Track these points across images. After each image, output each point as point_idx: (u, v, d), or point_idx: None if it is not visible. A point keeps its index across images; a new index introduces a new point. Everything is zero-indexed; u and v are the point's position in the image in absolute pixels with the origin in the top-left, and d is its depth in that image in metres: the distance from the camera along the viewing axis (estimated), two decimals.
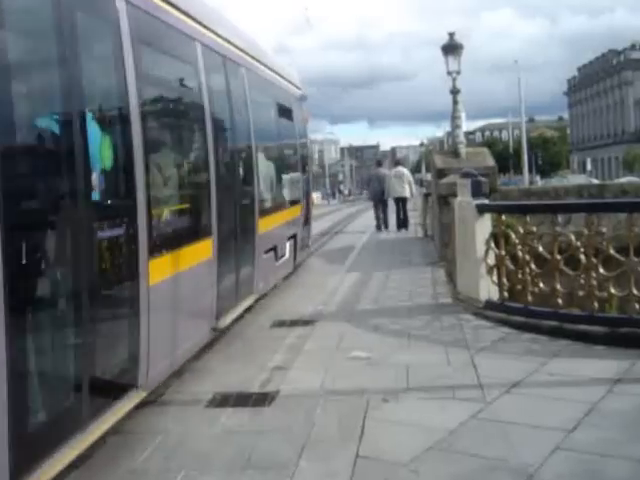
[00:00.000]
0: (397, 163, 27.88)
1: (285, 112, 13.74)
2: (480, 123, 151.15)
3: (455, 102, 17.67)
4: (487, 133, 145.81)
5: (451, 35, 18.04)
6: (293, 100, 14.75)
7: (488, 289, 9.72)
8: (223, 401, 6.49)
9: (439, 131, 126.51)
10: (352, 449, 5.16)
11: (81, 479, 4.97)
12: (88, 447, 5.25)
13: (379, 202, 25.21)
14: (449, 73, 17.66)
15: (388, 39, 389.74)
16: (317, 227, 34.40)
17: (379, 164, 28.32)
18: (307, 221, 15.69)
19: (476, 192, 10.17)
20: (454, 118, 17.87)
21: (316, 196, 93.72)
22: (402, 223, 24.52)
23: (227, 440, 5.57)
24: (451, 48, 17.88)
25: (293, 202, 13.89)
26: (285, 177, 13.36)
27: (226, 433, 5.72)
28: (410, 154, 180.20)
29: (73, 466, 5.02)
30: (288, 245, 12.91)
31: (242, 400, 6.48)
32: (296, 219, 14.06)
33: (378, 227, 25.19)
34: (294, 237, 13.59)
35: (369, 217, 28.66)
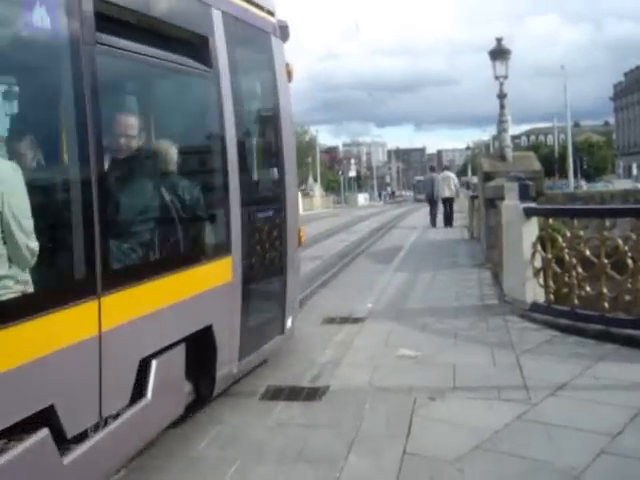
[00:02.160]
0: (445, 168, 32.34)
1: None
2: (524, 127, 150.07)
3: (502, 106, 17.67)
4: (532, 137, 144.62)
5: (499, 40, 18.04)
6: (258, 37, 7.43)
7: (534, 291, 9.78)
8: (276, 394, 6.68)
9: (485, 135, 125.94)
10: (400, 445, 5.28)
11: (143, 464, 5.19)
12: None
13: (432, 202, 28.69)
14: (497, 78, 17.67)
15: (433, 45, 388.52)
16: (376, 221, 34.72)
17: (432, 169, 33.54)
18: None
19: (523, 195, 10.26)
20: (501, 122, 17.90)
21: (364, 197, 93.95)
22: (447, 221, 27.66)
23: (279, 432, 5.74)
24: (499, 53, 17.89)
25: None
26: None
27: (279, 425, 5.89)
28: (456, 157, 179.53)
29: (136, 452, 5.28)
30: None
31: (294, 394, 6.66)
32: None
33: (432, 223, 28.45)
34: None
35: (417, 217, 29.73)
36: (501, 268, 11.46)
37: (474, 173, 45.58)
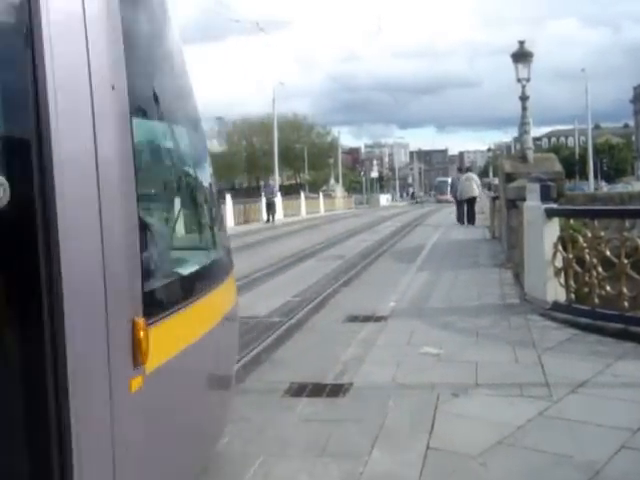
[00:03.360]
0: (468, 169, 35.26)
1: None
2: (545, 129, 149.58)
3: (524, 108, 17.69)
4: (553, 139, 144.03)
5: (521, 43, 18.07)
6: None
7: (555, 291, 9.81)
8: (299, 391, 6.73)
9: (506, 136, 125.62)
10: (423, 441, 5.32)
11: None
12: None
13: (458, 201, 30.73)
14: (519, 80, 17.70)
15: (454, 47, 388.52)
16: (398, 222, 34.84)
17: (460, 170, 35.85)
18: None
19: (545, 196, 10.30)
20: (523, 124, 17.91)
21: (386, 198, 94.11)
22: (470, 219, 29.54)
23: (303, 428, 5.79)
24: (521, 56, 17.92)
25: None
26: None
27: (302, 421, 5.95)
28: (478, 159, 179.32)
29: None
30: None
31: (317, 390, 6.71)
32: None
33: (458, 220, 30.46)
34: None
35: (438, 217, 30.28)
36: (522, 268, 11.50)
37: (495, 174, 45.77)
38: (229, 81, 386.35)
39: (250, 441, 5.55)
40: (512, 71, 17.89)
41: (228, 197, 38.42)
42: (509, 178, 16.28)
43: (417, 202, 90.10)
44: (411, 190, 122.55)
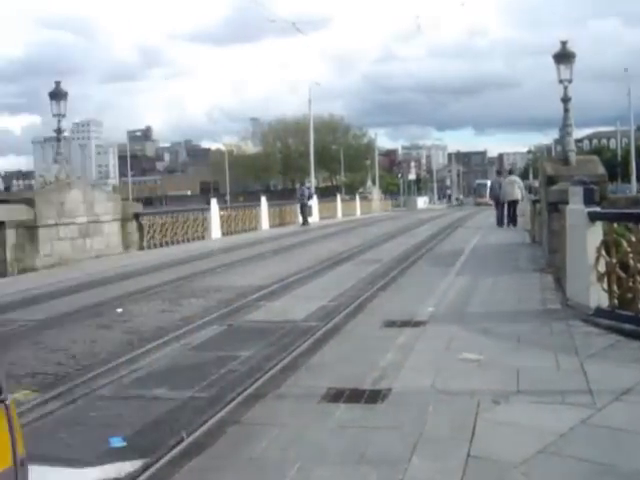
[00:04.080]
0: (510, 172, 37.24)
1: None
2: (586, 131, 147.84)
3: (566, 110, 17.46)
4: (595, 141, 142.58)
5: (563, 43, 17.84)
6: None
7: (598, 296, 9.66)
8: (337, 396, 6.68)
9: (546, 138, 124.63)
10: (463, 448, 5.26)
11: (202, 465, 5.25)
12: (208, 435, 5.65)
13: (498, 204, 31.06)
14: (561, 81, 17.49)
15: (493, 47, 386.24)
16: (437, 225, 34.79)
17: (499, 173, 36.86)
18: None
19: (588, 200, 10.16)
20: (565, 126, 17.71)
21: (423, 200, 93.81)
22: (512, 221, 29.79)
23: (341, 434, 5.74)
24: (563, 56, 17.68)
25: None
26: None
27: (340, 428, 5.90)
28: (517, 160, 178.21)
29: (194, 452, 5.38)
30: None
31: (355, 396, 6.66)
32: None
33: (498, 223, 30.57)
34: None
35: (478, 220, 30.39)
36: (564, 272, 11.37)
37: (535, 177, 45.50)
38: (264, 82, 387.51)
39: (287, 447, 5.52)
40: (553, 71, 17.68)
41: (263, 199, 38.49)
42: (550, 181, 16.11)
43: (457, 204, 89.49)
44: (448, 192, 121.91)
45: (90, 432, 6.16)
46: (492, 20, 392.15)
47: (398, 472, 4.91)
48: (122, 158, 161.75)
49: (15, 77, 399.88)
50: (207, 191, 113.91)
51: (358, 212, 59.51)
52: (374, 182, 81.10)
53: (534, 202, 23.94)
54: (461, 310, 10.84)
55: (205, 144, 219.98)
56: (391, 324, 9.88)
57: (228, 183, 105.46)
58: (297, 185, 65.64)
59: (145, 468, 5.12)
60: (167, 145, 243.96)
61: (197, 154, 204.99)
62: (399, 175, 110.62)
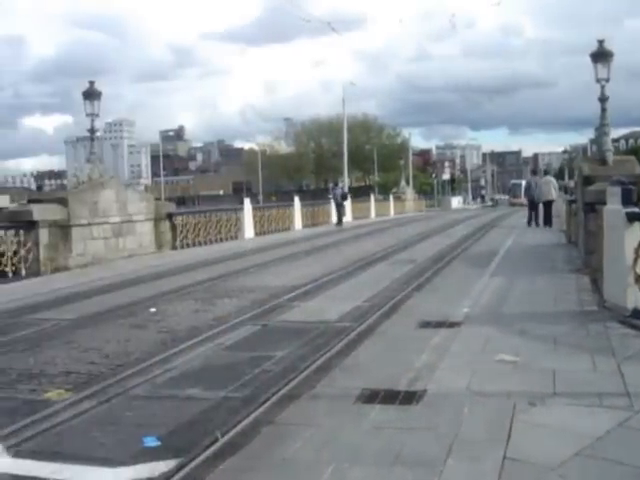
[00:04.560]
0: (546, 172, 39.91)
1: None
2: (622, 131, 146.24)
3: (603, 110, 17.29)
4: (631, 141, 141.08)
5: (600, 42, 17.66)
6: None
7: (635, 297, 9.55)
8: (371, 397, 6.64)
9: (581, 138, 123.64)
10: (500, 450, 5.20)
11: (236, 465, 5.23)
12: (242, 435, 5.62)
13: (532, 203, 31.45)
14: (598, 81, 17.31)
15: (528, 46, 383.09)
16: (471, 225, 34.69)
17: (534, 173, 38.84)
18: None
19: (626, 200, 10.03)
20: (602, 125, 17.53)
21: (458, 200, 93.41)
22: (547, 221, 30.06)
23: (376, 435, 5.71)
24: (600, 55, 17.52)
25: None
26: None
27: (375, 429, 5.87)
28: (553, 160, 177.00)
29: (228, 452, 5.36)
30: None
31: (390, 397, 6.62)
32: None
33: (529, 223, 31.20)
34: None
35: (514, 220, 30.59)
36: (600, 274, 11.24)
37: (571, 177, 45.33)
38: (297, 81, 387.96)
39: (322, 448, 5.50)
40: (589, 71, 17.50)
41: (296, 199, 38.50)
42: (587, 181, 15.96)
43: (492, 205, 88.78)
44: (483, 192, 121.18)
45: (124, 431, 6.16)
46: (527, 19, 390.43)
47: (434, 474, 4.87)
48: (154, 158, 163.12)
49: (47, 77, 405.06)
50: (239, 191, 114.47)
51: (392, 212, 59.41)
52: (408, 182, 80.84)
53: (570, 202, 23.79)
54: (497, 311, 10.75)
55: (238, 144, 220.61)
56: (426, 325, 9.81)
57: (261, 183, 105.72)
58: (330, 185, 65.68)
59: (179, 468, 5.10)
60: (200, 145, 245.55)
61: (230, 154, 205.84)
62: (433, 175, 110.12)
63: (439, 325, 9.72)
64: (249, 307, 11.97)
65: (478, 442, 5.46)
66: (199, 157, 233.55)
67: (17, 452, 5.62)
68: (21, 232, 18.43)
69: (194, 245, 26.16)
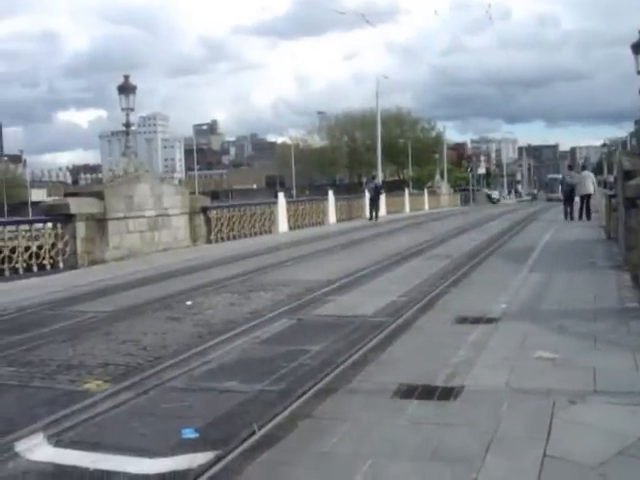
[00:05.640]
0: (583, 167, 41.09)
1: None
2: None
3: None
4: None
5: None
6: None
7: None
8: (408, 393, 6.61)
9: (621, 132, 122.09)
10: (539, 448, 5.15)
11: (273, 458, 5.23)
12: (279, 428, 5.61)
13: (569, 198, 32.26)
14: (639, 72, 17.08)
15: (565, 37, 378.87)
16: (508, 220, 34.49)
17: (570, 168, 38.89)
18: None
19: None
20: None
21: (494, 195, 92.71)
22: (586, 214, 30.63)
23: (414, 431, 5.69)
24: None
25: None
26: None
27: (412, 424, 5.84)
28: (591, 154, 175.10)
29: (265, 446, 5.36)
30: None
31: (427, 393, 6.58)
32: None
33: (565, 216, 31.90)
34: None
35: (551, 215, 30.51)
36: None
37: (610, 171, 44.96)
38: (330, 75, 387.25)
39: (359, 442, 5.49)
40: (629, 62, 17.29)
41: (330, 193, 38.47)
42: (628, 175, 15.73)
43: (530, 200, 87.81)
44: (519, 187, 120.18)
45: (162, 423, 6.21)
46: (564, 9, 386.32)
47: (472, 470, 4.83)
48: (188, 152, 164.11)
49: (81, 72, 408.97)
50: (273, 185, 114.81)
51: (426, 206, 59.22)
52: (442, 176, 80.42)
53: (610, 197, 23.47)
54: (535, 307, 10.65)
55: (271, 138, 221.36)
56: (463, 320, 9.75)
57: (294, 177, 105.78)
58: (364, 179, 65.58)
59: (217, 460, 5.12)
60: (233, 139, 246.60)
61: (263, 148, 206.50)
62: (468, 169, 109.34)
63: (476, 321, 9.65)
64: (284, 301, 11.98)
65: (517, 439, 5.41)
66: (232, 151, 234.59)
67: (58, 442, 5.68)
68: (59, 225, 18.67)
69: (228, 239, 26.26)
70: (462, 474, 4.80)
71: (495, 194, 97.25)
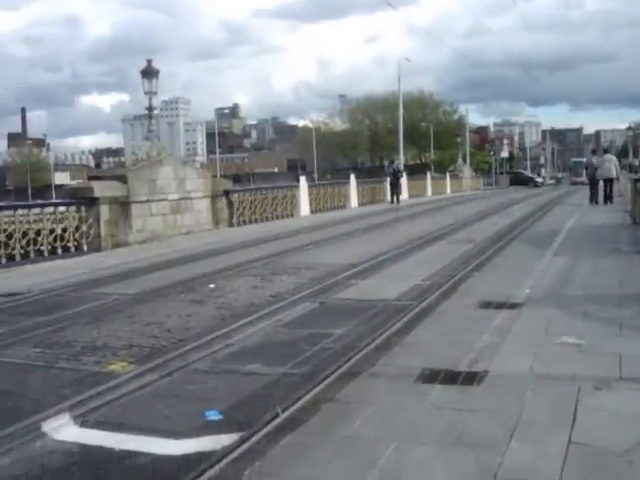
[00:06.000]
0: (605, 151, 40.31)
1: None
2: None
3: None
4: None
5: None
6: None
7: None
8: (432, 377, 6.59)
9: None
10: (564, 434, 5.12)
11: (297, 440, 5.23)
12: (302, 411, 5.61)
13: (593, 182, 32.50)
14: None
15: (589, 19, 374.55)
16: (531, 204, 34.26)
17: (594, 152, 39.85)
18: None
19: None
20: None
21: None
22: (608, 198, 31.01)
23: (437, 416, 5.67)
24: None
25: None
26: None
27: (436, 409, 5.83)
28: (616, 138, 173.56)
29: (289, 428, 5.37)
30: None
31: (451, 378, 6.55)
32: None
33: (591, 201, 31.98)
34: None
35: (576, 199, 33.81)
36: None
37: (635, 154, 44.74)
38: (351, 58, 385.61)
39: (382, 426, 5.49)
40: None
41: (352, 176, 38.42)
42: None
43: (554, 183, 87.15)
44: (543, 171, 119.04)
45: (186, 404, 6.24)
46: None
47: (496, 455, 4.80)
48: (210, 135, 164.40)
49: (104, 56, 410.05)
50: (294, 168, 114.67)
51: (448, 190, 59.00)
52: (465, 160, 80.00)
53: (635, 181, 23.24)
54: (559, 292, 10.57)
55: (292, 121, 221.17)
56: (486, 305, 9.71)
57: (315, 160, 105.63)
58: (385, 163, 65.32)
59: (241, 442, 5.14)
60: (254, 122, 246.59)
61: (284, 131, 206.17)
62: (491, 153, 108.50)
63: (500, 306, 9.59)
64: (306, 284, 11.99)
65: (542, 425, 5.37)
66: (254, 134, 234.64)
67: (83, 422, 5.74)
68: (83, 208, 18.78)
69: (250, 222, 26.30)
70: (486, 459, 4.76)
71: (539, 177, 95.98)
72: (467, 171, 74.33)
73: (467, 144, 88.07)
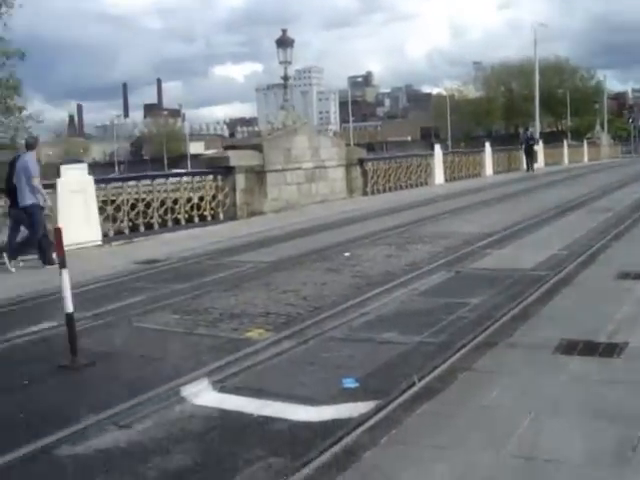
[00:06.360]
0: None
1: None
2: None
3: None
4: None
5: None
6: None
7: None
8: (570, 348, 6.50)
9: None
10: None
11: (434, 409, 5.27)
12: (439, 380, 5.63)
13: None
14: None
15: None
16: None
17: None
18: None
19: None
20: None
21: None
22: None
23: (575, 387, 5.61)
24: None
25: None
26: None
27: (574, 380, 5.76)
28: None
29: (425, 397, 5.41)
30: None
31: (590, 349, 6.45)
32: None
33: None
34: None
35: None
36: None
37: None
38: (485, 24, 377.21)
39: (519, 397, 5.46)
40: None
41: (487, 145, 37.84)
42: None
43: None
44: None
45: (323, 372, 6.34)
46: None
47: (637, 429, 4.70)
48: (343, 104, 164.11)
49: (237, 27, 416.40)
50: (427, 137, 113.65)
51: (585, 158, 57.25)
52: (602, 127, 77.37)
53: None
54: None
55: (425, 89, 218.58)
56: (625, 276, 9.46)
57: (449, 129, 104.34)
58: (520, 130, 63.94)
59: (378, 410, 5.20)
60: (387, 90, 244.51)
61: (418, 99, 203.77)
62: (629, 120, 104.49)
63: (639, 277, 9.34)
64: (442, 253, 11.97)
65: None
66: (387, 102, 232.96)
67: (222, 388, 5.91)
68: (219, 177, 19.22)
69: (384, 191, 26.35)
70: (626, 432, 4.68)
71: None
72: (605, 138, 71.87)
73: (605, 111, 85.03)
